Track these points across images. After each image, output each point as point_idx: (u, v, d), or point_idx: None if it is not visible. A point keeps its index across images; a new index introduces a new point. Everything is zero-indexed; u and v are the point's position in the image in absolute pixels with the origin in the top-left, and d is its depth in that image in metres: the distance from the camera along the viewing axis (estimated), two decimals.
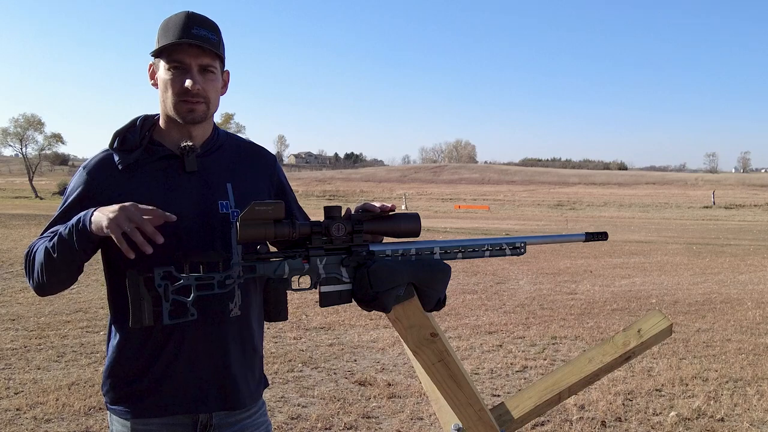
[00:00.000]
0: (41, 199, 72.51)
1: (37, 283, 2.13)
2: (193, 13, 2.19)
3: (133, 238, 1.87)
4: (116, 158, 2.21)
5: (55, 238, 2.04)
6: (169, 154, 2.26)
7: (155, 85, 2.28)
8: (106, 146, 2.28)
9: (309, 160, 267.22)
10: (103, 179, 2.20)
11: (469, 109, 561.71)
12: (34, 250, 2.13)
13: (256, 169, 2.44)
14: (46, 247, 2.07)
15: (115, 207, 1.92)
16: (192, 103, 2.20)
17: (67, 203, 2.22)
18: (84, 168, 2.24)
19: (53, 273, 2.07)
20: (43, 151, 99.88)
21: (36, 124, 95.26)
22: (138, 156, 2.22)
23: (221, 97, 2.36)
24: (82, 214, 2.01)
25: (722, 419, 6.06)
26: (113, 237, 1.89)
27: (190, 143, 2.26)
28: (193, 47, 2.16)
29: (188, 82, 2.17)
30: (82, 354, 7.77)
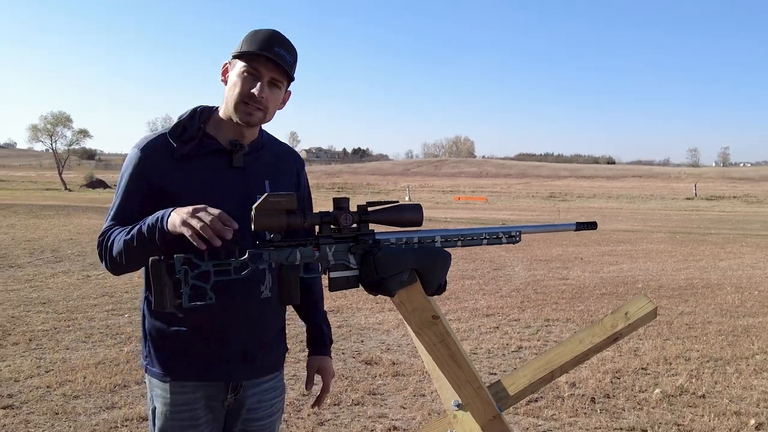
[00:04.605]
0: (70, 191, 72.59)
1: (114, 265, 2.22)
2: (278, 33, 2.27)
3: (204, 233, 1.92)
4: (173, 145, 2.28)
5: (134, 231, 2.12)
6: (220, 149, 2.34)
7: (224, 81, 2.35)
8: (161, 129, 2.36)
9: (319, 155, 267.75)
10: (156, 161, 2.27)
11: (468, 107, 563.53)
12: (111, 239, 2.21)
13: (288, 168, 2.54)
14: (125, 240, 2.15)
15: (189, 209, 1.98)
16: (253, 108, 2.28)
17: (123, 183, 2.31)
18: (137, 147, 2.31)
19: (131, 260, 2.17)
20: (72, 146, 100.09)
21: (64, 120, 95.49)
22: (192, 147, 2.29)
23: (277, 111, 2.42)
24: (160, 213, 2.08)
25: (703, 396, 6.06)
26: (185, 234, 1.96)
27: (240, 141, 2.34)
28: (271, 62, 2.23)
29: (257, 89, 2.25)
30: (107, 335, 7.79)
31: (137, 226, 2.13)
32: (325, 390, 2.79)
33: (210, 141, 2.33)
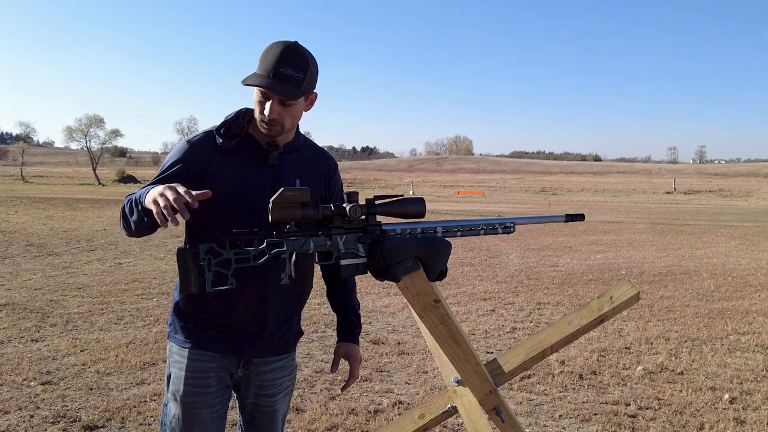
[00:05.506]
0: (103, 185, 72.43)
1: (127, 232, 2.26)
2: (287, 50, 2.20)
3: (165, 212, 1.92)
4: (218, 141, 2.31)
5: (132, 202, 2.17)
6: (259, 147, 2.35)
7: None
8: (208, 127, 2.39)
9: (331, 153, 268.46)
10: (202, 154, 2.30)
11: (467, 108, 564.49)
12: (124, 205, 2.23)
13: (319, 170, 2.54)
14: (124, 206, 2.21)
15: (160, 188, 1.99)
16: (268, 125, 2.28)
17: (165, 168, 2.32)
18: (188, 141, 2.34)
19: (130, 227, 2.21)
20: (104, 145, 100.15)
21: (97, 121, 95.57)
22: (235, 144, 2.32)
23: (307, 112, 2.41)
24: (145, 189, 2.12)
25: (682, 372, 6.06)
26: (153, 211, 1.97)
27: (276, 142, 2.36)
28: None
29: (266, 111, 2.25)
30: (138, 317, 7.81)
31: (134, 197, 2.18)
32: (352, 376, 2.80)
33: (250, 139, 2.35)
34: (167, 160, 2.34)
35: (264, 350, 2.45)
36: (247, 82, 2.20)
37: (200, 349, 2.36)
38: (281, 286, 2.38)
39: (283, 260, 2.33)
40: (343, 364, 2.79)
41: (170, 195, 1.93)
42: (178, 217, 1.94)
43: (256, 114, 2.29)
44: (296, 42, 2.24)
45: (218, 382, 2.39)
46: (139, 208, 2.10)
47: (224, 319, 2.35)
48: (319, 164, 2.54)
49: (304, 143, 2.51)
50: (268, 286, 2.35)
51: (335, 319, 2.80)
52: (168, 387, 2.41)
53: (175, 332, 2.41)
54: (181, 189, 1.96)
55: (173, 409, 2.37)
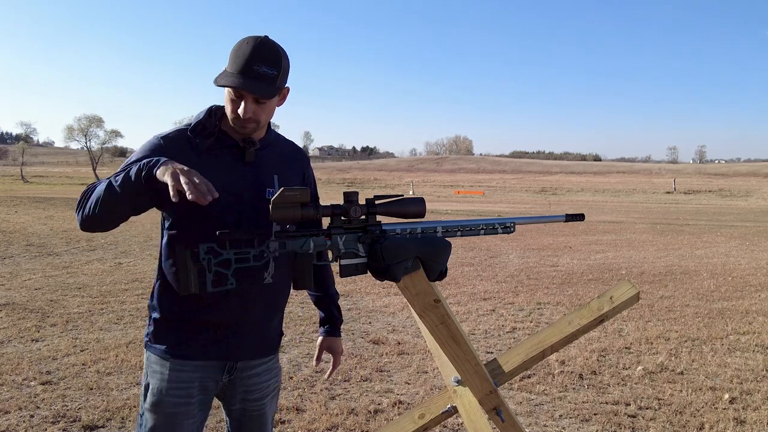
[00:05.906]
0: None
1: (85, 216, 2.01)
2: (259, 47, 2.11)
3: (186, 188, 1.82)
4: (194, 141, 2.22)
5: (122, 174, 1.98)
6: (234, 144, 2.28)
7: None
8: (181, 126, 2.30)
9: (331, 152, 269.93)
10: (176, 152, 2.15)
11: (467, 108, 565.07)
12: (94, 186, 2.04)
13: (294, 164, 2.49)
14: (109, 180, 1.99)
15: (184, 167, 1.89)
16: (244, 124, 2.20)
17: (137, 156, 2.15)
18: (160, 137, 2.23)
19: (107, 205, 1.97)
20: (104, 145, 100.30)
21: (97, 121, 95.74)
22: (211, 143, 2.24)
23: (279, 107, 2.36)
24: (154, 159, 1.98)
25: (682, 372, 6.06)
26: (168, 184, 1.86)
27: (252, 139, 2.29)
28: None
29: (241, 111, 2.17)
30: (137, 317, 7.80)
31: (125, 171, 2.01)
32: (334, 366, 2.86)
33: (225, 137, 2.27)
34: (136, 155, 2.18)
35: (249, 352, 2.39)
36: (220, 83, 2.13)
37: (182, 359, 2.28)
38: (265, 286, 2.31)
39: (267, 259, 2.24)
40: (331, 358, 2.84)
41: (196, 178, 1.86)
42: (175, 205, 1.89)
43: (229, 113, 2.21)
44: (266, 37, 2.16)
45: (201, 392, 2.32)
46: (142, 174, 1.94)
47: (210, 320, 2.27)
48: (294, 159, 2.50)
49: (276, 138, 2.47)
50: (252, 285, 2.28)
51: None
52: (145, 398, 2.32)
53: (154, 342, 2.33)
54: (203, 179, 1.89)
55: (150, 421, 2.29)
